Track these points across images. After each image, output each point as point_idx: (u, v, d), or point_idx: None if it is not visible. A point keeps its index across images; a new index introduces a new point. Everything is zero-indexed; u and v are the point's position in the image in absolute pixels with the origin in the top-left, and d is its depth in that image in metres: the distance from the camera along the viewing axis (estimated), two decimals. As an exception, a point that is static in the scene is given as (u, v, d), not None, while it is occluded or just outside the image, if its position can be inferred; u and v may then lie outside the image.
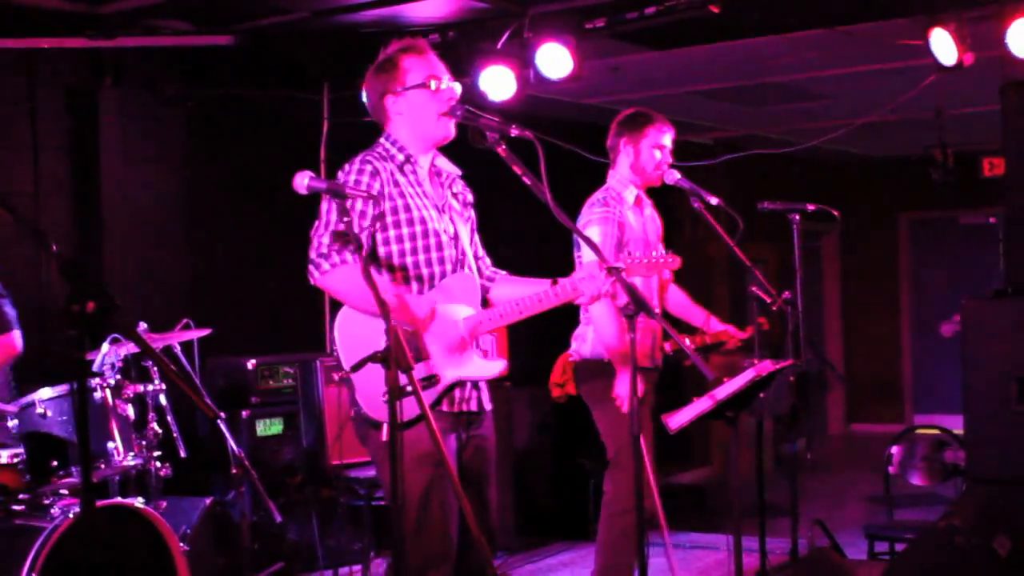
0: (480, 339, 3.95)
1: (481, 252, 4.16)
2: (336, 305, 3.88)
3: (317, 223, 3.81)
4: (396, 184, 3.87)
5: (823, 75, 7.95)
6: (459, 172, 4.09)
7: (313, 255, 3.77)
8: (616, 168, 5.34)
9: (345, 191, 3.60)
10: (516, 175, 3.85)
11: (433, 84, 3.89)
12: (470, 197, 4.15)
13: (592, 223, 5.17)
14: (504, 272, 4.16)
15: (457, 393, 3.87)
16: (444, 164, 4.06)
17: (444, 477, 3.72)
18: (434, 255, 3.88)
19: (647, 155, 5.27)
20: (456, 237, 3.96)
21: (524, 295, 3.92)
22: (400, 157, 3.92)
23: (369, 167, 3.84)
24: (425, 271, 3.87)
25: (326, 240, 3.76)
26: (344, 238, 3.67)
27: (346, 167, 3.87)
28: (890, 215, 12.98)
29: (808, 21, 6.37)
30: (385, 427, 3.72)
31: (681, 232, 9.83)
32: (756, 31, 6.62)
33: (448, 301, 3.87)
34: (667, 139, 5.30)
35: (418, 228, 3.86)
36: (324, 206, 3.81)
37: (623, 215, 5.21)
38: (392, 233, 3.85)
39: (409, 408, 3.36)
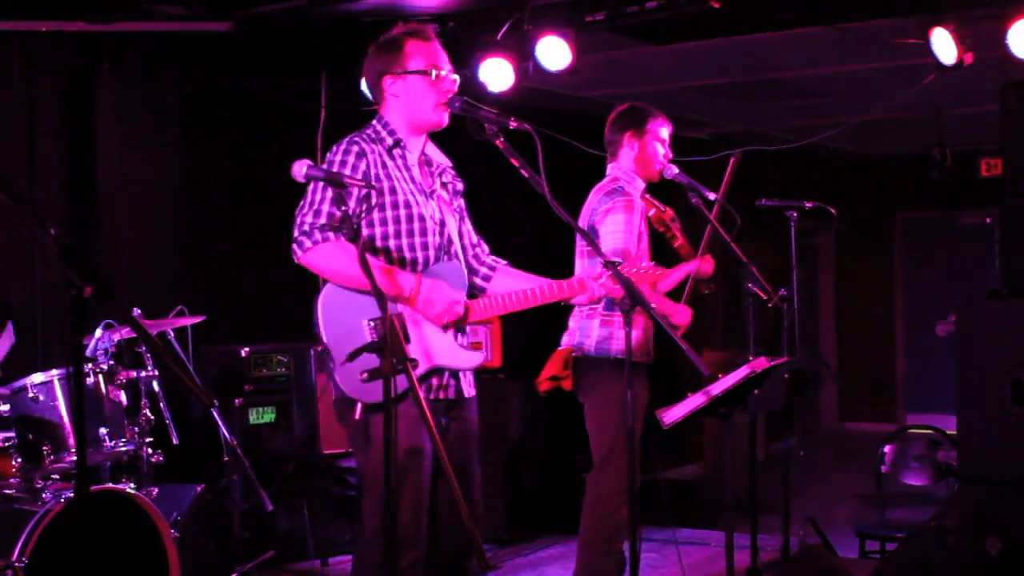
0: (470, 329, 3.96)
1: (475, 239, 4.16)
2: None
3: (302, 202, 3.81)
4: (384, 167, 3.87)
5: (822, 72, 7.94)
6: (449, 163, 4.09)
7: (296, 233, 3.78)
8: (618, 161, 5.29)
9: (343, 180, 3.61)
10: (514, 167, 3.85)
11: (434, 73, 3.90)
12: (460, 186, 4.14)
13: (617, 211, 5.07)
14: (505, 262, 4.16)
15: (434, 380, 3.87)
16: (434, 153, 4.06)
17: (421, 464, 3.74)
18: (418, 240, 3.88)
19: (652, 149, 5.23)
20: (442, 224, 3.96)
21: (516, 289, 3.93)
22: (389, 140, 3.92)
23: (356, 148, 3.84)
24: (408, 255, 3.87)
25: (309, 219, 3.76)
26: (342, 224, 3.66)
27: (334, 148, 3.88)
28: (887, 214, 12.97)
29: (808, 18, 6.36)
30: (359, 407, 3.73)
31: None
32: (756, 27, 6.61)
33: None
34: (665, 132, 5.28)
35: (403, 212, 3.87)
36: (311, 186, 3.80)
37: (626, 209, 5.08)
38: (376, 216, 3.85)
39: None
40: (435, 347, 3.83)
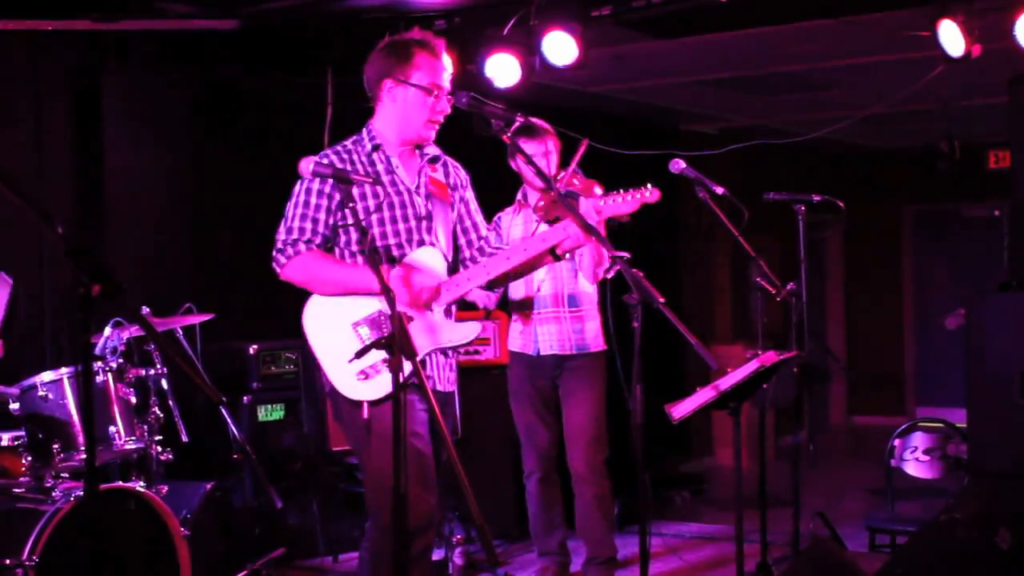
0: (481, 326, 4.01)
1: (483, 232, 4.17)
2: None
3: (282, 221, 3.94)
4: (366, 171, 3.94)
5: (829, 66, 7.93)
6: (438, 150, 4.11)
7: (273, 252, 3.91)
8: None
9: (351, 177, 3.64)
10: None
11: (436, 93, 3.92)
12: (463, 176, 4.15)
13: None
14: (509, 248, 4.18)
15: (425, 372, 3.90)
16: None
17: (422, 452, 3.78)
18: (404, 238, 3.93)
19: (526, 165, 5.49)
20: (429, 218, 3.97)
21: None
22: (369, 145, 3.98)
23: (325, 160, 3.89)
24: (396, 253, 3.91)
25: (282, 236, 3.89)
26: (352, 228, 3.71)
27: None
28: (894, 207, 12.94)
29: (815, 11, 6.34)
30: (366, 405, 3.77)
31: (686, 222, 9.83)
32: (762, 21, 6.60)
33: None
34: (533, 148, 5.34)
35: (387, 213, 3.92)
36: (290, 202, 3.92)
37: (499, 219, 5.60)
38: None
39: (383, 386, 3.51)
40: (430, 331, 3.87)
